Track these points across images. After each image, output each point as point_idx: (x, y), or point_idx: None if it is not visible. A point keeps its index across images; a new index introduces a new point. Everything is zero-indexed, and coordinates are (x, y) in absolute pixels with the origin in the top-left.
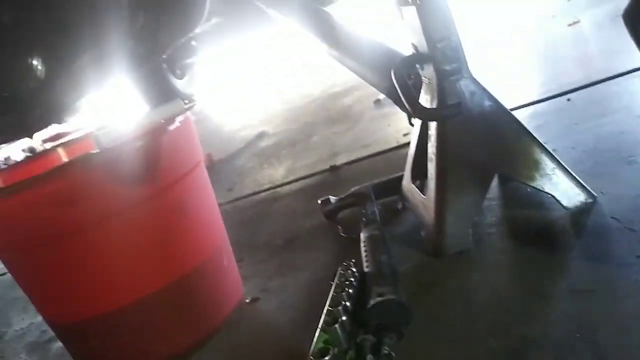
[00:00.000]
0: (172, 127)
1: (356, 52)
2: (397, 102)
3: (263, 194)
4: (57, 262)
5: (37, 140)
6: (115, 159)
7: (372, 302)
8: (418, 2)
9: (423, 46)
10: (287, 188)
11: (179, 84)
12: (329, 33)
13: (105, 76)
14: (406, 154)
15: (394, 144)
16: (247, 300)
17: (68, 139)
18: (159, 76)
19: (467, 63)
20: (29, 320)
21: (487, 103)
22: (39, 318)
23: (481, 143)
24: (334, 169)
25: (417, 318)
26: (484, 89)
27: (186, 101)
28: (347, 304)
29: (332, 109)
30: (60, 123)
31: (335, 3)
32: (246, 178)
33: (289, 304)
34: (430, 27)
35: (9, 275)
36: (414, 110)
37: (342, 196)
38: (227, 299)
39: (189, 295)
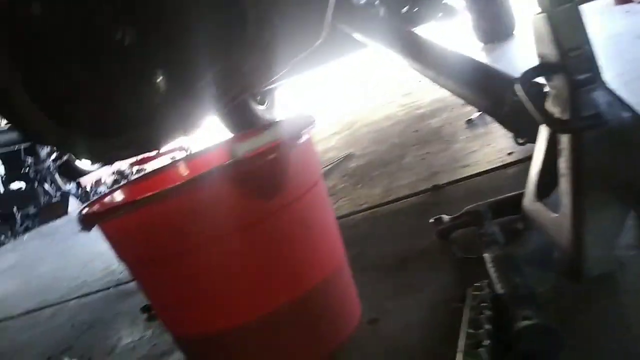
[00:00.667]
0: (302, 140)
1: (452, 71)
2: (502, 119)
3: (362, 214)
4: (184, 275)
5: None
6: (248, 171)
7: (518, 325)
8: (549, 9)
9: (552, 56)
10: (387, 208)
11: (259, 109)
12: (422, 54)
13: (229, 93)
14: (514, 174)
15: (499, 164)
16: (366, 321)
17: (186, 155)
18: (241, 101)
19: (600, 72)
20: (139, 334)
21: (625, 114)
22: (149, 331)
23: (622, 157)
24: (436, 188)
25: (567, 344)
26: (621, 100)
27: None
28: (489, 327)
29: (421, 130)
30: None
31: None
32: (340, 198)
33: (412, 325)
34: (561, 36)
35: (113, 289)
36: (550, 122)
37: (456, 215)
38: (347, 318)
39: (311, 313)
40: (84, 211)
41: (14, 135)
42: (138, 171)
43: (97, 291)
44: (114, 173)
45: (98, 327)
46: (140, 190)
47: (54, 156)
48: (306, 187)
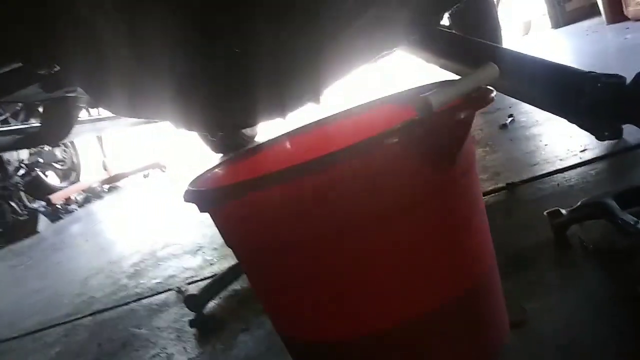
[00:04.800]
0: (490, 98)
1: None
2: (579, 113)
3: None
4: (332, 265)
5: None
6: (432, 132)
7: None
8: None
9: None
10: None
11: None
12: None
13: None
14: (600, 170)
15: (577, 161)
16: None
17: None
18: None
19: None
20: (195, 350)
21: None
22: (208, 347)
23: None
24: (510, 186)
25: None
26: None
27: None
28: None
29: None
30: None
31: None
32: None
33: (570, 326)
34: None
35: (134, 304)
36: None
37: (574, 207)
38: (504, 319)
39: (475, 312)
40: (210, 186)
41: None
42: (109, 189)
43: (115, 307)
44: (84, 191)
45: (135, 344)
46: (255, 167)
47: (21, 172)
48: (470, 159)
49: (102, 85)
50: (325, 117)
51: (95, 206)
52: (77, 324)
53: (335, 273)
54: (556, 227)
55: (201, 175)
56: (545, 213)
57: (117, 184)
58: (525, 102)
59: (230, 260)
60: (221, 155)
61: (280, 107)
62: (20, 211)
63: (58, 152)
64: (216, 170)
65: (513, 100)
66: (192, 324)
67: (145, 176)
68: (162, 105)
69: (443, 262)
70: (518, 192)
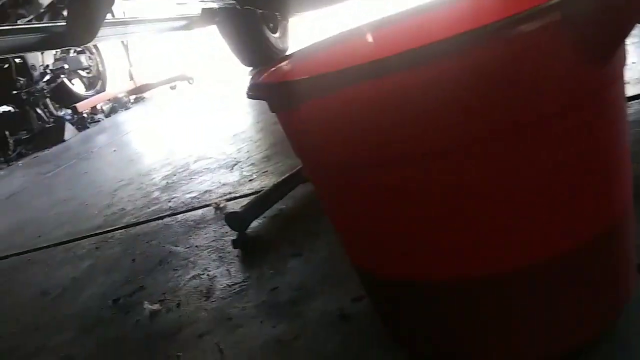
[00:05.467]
0: None
1: None
2: None
3: None
4: (435, 187)
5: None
6: (598, 10)
7: None
8: None
9: None
10: None
11: (273, 37)
12: None
13: None
14: None
15: None
16: None
17: None
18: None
19: None
20: (240, 274)
21: None
22: (255, 271)
23: None
24: None
25: None
26: None
27: None
28: None
29: None
30: None
31: None
32: None
33: None
34: None
35: (169, 218)
36: None
37: None
38: (633, 259)
39: (605, 261)
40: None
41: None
42: (136, 99)
43: (148, 221)
44: (110, 100)
45: (173, 263)
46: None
47: (47, 78)
48: (622, 63)
49: None
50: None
51: (122, 116)
52: (109, 237)
53: (451, 198)
54: None
55: (264, 69)
56: None
57: (144, 94)
58: None
59: (272, 177)
60: (250, 68)
61: None
62: (46, 118)
63: (83, 58)
64: (282, 65)
65: None
66: (235, 244)
67: (172, 88)
68: None
69: (584, 193)
70: None
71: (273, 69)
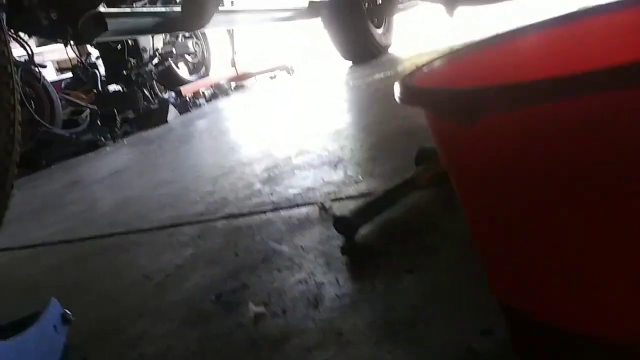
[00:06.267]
0: None
1: None
2: None
3: None
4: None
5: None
6: None
7: None
8: None
9: None
10: None
11: (378, 32)
12: None
13: None
14: None
15: None
16: None
17: None
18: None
19: None
20: (349, 284)
21: None
22: (366, 283)
23: None
24: None
25: None
26: None
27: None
28: None
29: None
30: None
31: None
32: None
33: None
34: None
35: (271, 214)
36: None
37: None
38: None
39: None
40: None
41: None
42: (236, 87)
43: (250, 213)
44: (211, 86)
45: (277, 262)
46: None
47: (155, 61)
48: None
49: None
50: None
51: (222, 103)
52: (212, 226)
53: None
54: None
55: (416, 71)
56: None
57: (244, 82)
58: None
59: (379, 181)
60: (351, 63)
61: None
62: (152, 99)
63: (190, 44)
64: (436, 65)
65: None
66: (344, 250)
67: (272, 77)
68: None
69: None
70: None
71: (427, 70)
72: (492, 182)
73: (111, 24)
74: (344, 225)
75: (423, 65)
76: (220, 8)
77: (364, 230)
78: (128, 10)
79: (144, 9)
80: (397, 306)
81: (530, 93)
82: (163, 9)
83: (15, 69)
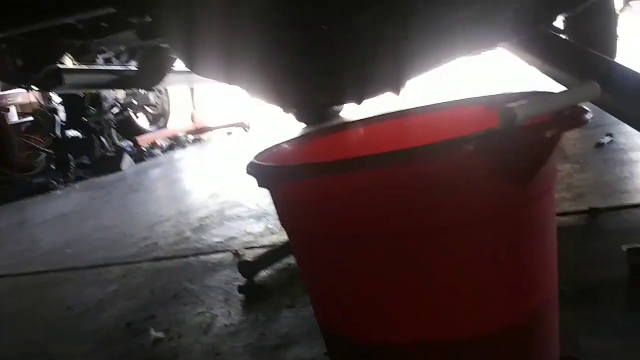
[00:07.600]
0: (583, 119)
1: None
2: None
3: None
4: (400, 262)
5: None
6: (513, 146)
7: None
8: None
9: None
10: None
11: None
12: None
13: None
14: None
15: None
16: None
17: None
18: None
19: None
20: (238, 316)
21: None
22: (251, 316)
23: None
24: (593, 212)
25: None
26: None
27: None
28: None
29: None
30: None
31: None
32: None
33: None
34: None
35: (193, 258)
36: None
37: None
38: (555, 351)
39: (533, 338)
40: (275, 162)
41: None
42: (194, 140)
43: (174, 257)
44: (169, 138)
45: (184, 298)
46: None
47: (115, 110)
48: (549, 182)
49: (190, 44)
50: (405, 109)
51: (178, 154)
52: (137, 267)
53: (398, 274)
54: (633, 266)
55: (268, 149)
56: (624, 248)
57: (201, 136)
58: (629, 124)
59: None
60: (304, 125)
61: (358, 92)
62: (108, 147)
63: (152, 96)
64: (284, 146)
65: (615, 118)
66: (240, 289)
67: (228, 133)
68: (240, 71)
69: (518, 279)
70: (600, 220)
71: (274, 150)
72: (299, 239)
73: (68, 78)
74: (245, 268)
75: (275, 145)
76: (177, 69)
77: (264, 274)
78: (85, 67)
79: (101, 67)
80: (270, 334)
81: (289, 173)
82: (119, 67)
83: None
